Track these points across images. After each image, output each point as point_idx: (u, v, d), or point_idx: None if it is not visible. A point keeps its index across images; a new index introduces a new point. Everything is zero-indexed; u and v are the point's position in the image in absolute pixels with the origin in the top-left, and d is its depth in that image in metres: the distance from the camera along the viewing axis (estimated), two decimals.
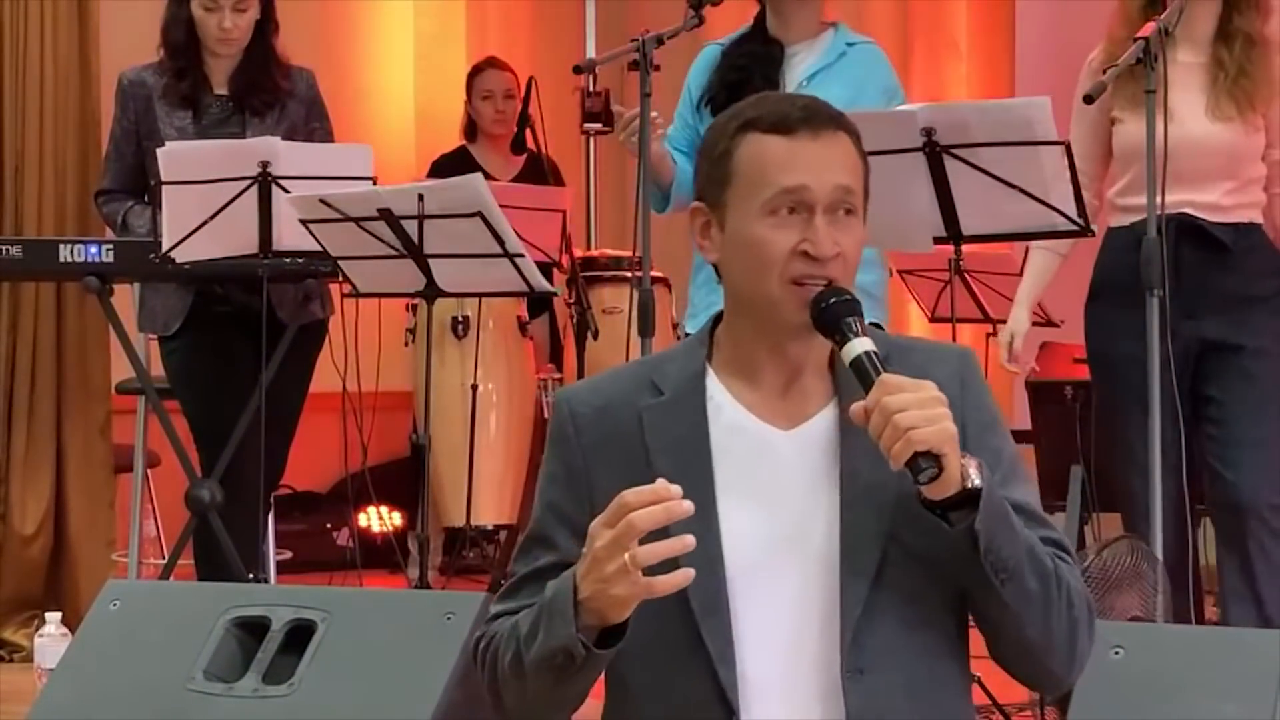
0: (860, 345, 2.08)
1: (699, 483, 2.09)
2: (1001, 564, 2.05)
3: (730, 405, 2.17)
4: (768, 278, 2.12)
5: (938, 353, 2.25)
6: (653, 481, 2.02)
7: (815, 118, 2.15)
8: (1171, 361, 3.79)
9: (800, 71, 4.57)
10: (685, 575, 1.98)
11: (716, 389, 2.18)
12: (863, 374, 2.07)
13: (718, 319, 2.24)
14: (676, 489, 1.98)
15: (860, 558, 2.10)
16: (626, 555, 1.96)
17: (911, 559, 2.10)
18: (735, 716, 2.09)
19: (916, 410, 2.00)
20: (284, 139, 4.60)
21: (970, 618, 2.18)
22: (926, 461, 1.99)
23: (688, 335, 4.67)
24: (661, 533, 1.99)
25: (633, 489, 1.98)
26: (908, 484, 2.04)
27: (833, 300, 2.10)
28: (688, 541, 1.97)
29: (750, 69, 4.47)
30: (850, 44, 4.65)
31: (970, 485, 2.02)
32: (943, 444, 2.00)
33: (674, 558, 1.98)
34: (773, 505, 2.13)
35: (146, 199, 4.74)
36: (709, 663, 2.09)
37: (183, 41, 4.77)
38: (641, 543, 1.97)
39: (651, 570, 1.98)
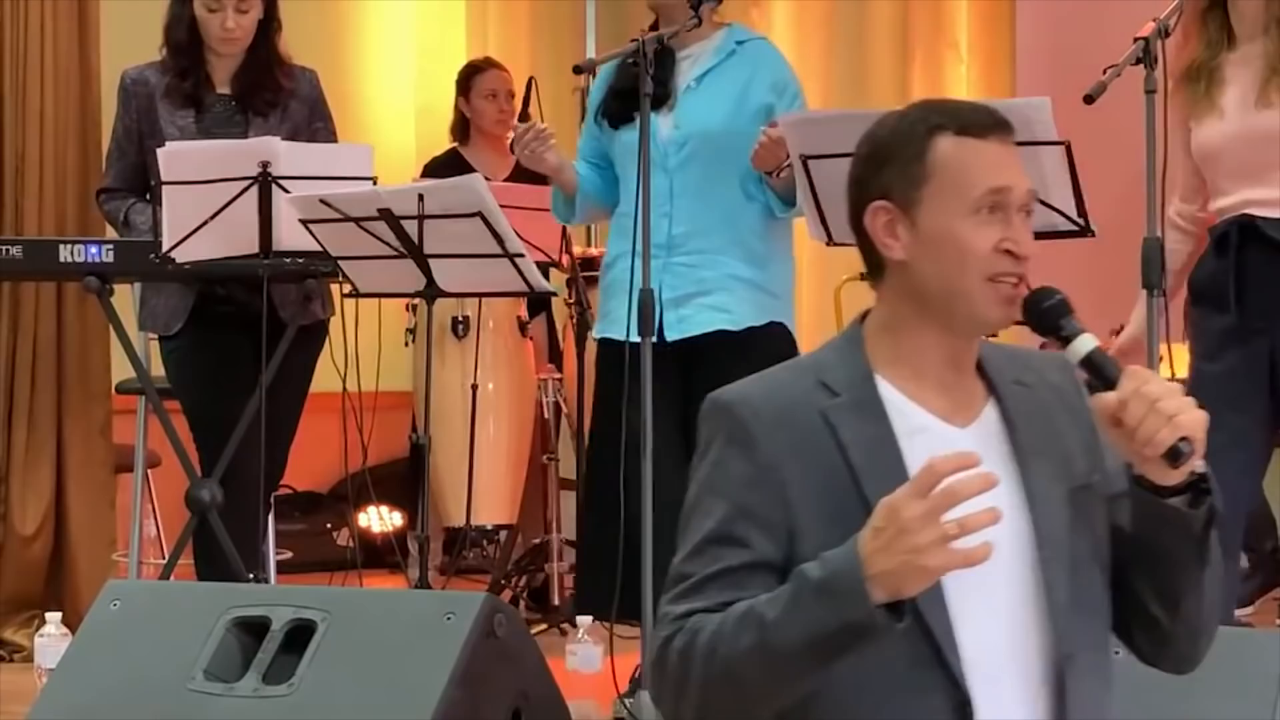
0: (1090, 341, 2.16)
1: (896, 480, 2.09)
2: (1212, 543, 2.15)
3: (906, 404, 2.21)
4: (967, 274, 2.18)
5: (1047, 357, 2.34)
6: (854, 480, 2.11)
7: (1002, 123, 2.23)
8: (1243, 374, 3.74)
9: (690, 74, 4.62)
10: (987, 548, 1.99)
11: (886, 389, 2.22)
12: (1100, 368, 2.14)
13: (863, 318, 2.30)
14: (976, 454, 2.01)
15: (1056, 547, 2.16)
16: (948, 525, 1.97)
17: (1087, 548, 2.18)
18: (969, 706, 2.11)
19: (1172, 398, 2.07)
20: (286, 139, 4.60)
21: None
22: (1186, 445, 2.06)
23: (605, 341, 4.71)
24: None
25: (939, 456, 2.00)
26: (1076, 475, 2.17)
27: (1053, 300, 2.19)
28: (998, 513, 1.99)
29: (638, 75, 4.46)
30: (740, 41, 4.69)
31: (1197, 470, 2.11)
32: (1198, 428, 2.07)
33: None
34: (963, 506, 2.09)
35: (148, 198, 4.74)
36: (937, 653, 2.11)
37: (185, 41, 4.77)
38: None
39: None
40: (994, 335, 2.38)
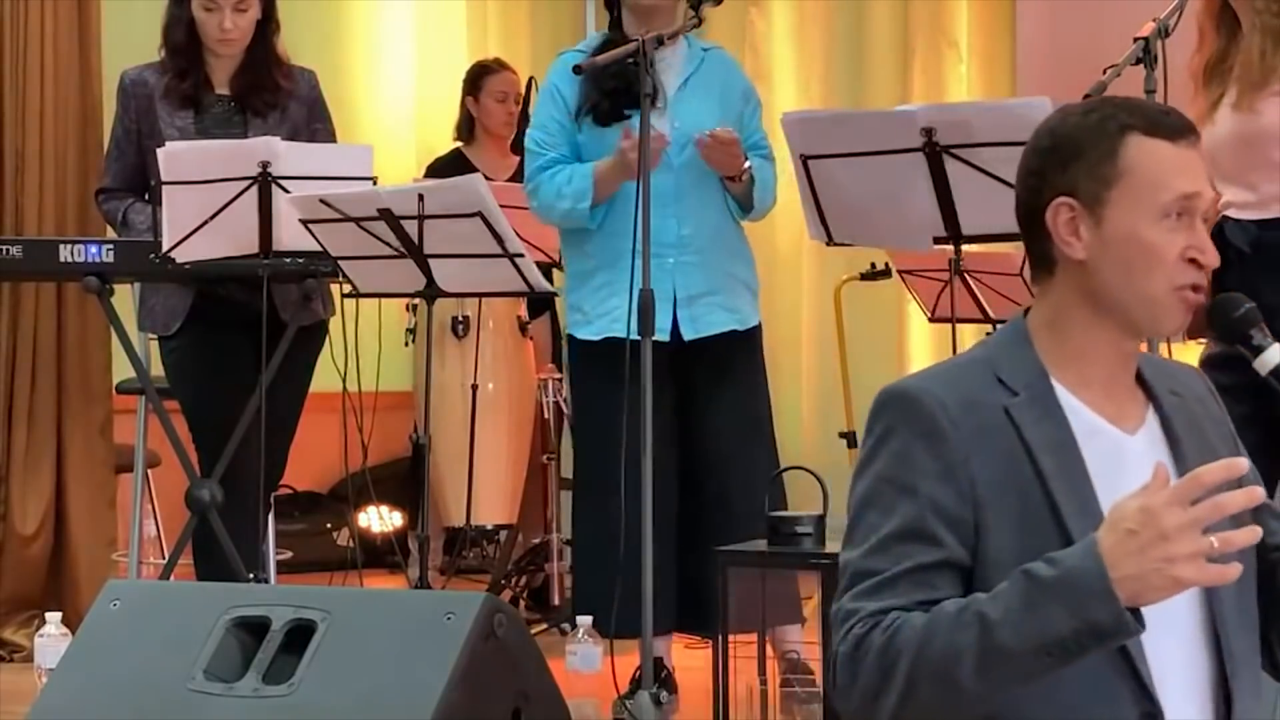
0: (1279, 353, 2.15)
1: (1081, 482, 2.08)
2: None
3: (1078, 406, 2.16)
4: (1154, 281, 2.14)
5: (1185, 369, 2.35)
6: (1041, 482, 2.07)
7: (1191, 127, 2.19)
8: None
9: (673, 79, 4.67)
10: (1236, 569, 1.95)
11: (1058, 389, 2.17)
12: None
13: (1023, 315, 2.24)
14: (1245, 462, 1.98)
15: (1222, 560, 2.04)
16: (1212, 539, 1.92)
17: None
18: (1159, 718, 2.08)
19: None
20: (286, 139, 4.60)
21: None
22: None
23: (581, 341, 4.69)
24: None
25: (1206, 466, 1.95)
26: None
27: (1243, 309, 2.17)
28: (1257, 531, 1.95)
29: (628, 74, 4.47)
30: (705, 50, 4.76)
31: None
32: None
33: None
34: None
35: (147, 198, 4.74)
36: (1129, 663, 2.07)
37: (183, 42, 4.77)
38: None
39: None
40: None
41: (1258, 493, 1.95)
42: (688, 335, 4.58)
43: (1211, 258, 2.14)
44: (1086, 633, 1.95)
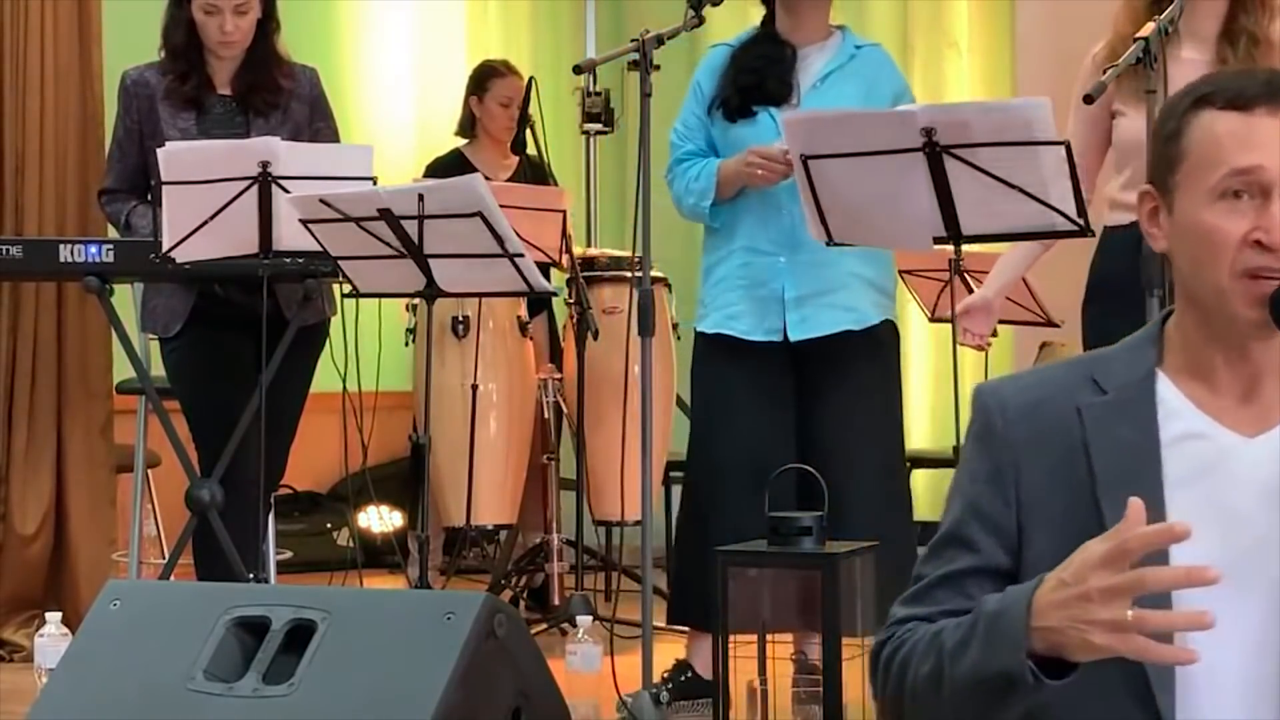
0: None
1: (1146, 493, 1.85)
2: None
3: (1186, 410, 1.99)
4: (1216, 269, 1.94)
5: None
6: (1091, 486, 1.94)
7: (1273, 93, 1.95)
8: None
9: (814, 72, 4.61)
10: (1189, 655, 1.78)
11: (1170, 392, 2.00)
12: None
13: (1166, 317, 2.07)
14: (1187, 527, 1.76)
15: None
16: (1130, 613, 1.75)
17: None
18: None
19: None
20: (288, 139, 4.60)
21: None
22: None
23: (699, 333, 4.70)
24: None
25: (1143, 530, 1.76)
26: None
27: None
28: (1207, 621, 1.74)
29: (764, 71, 4.50)
30: (859, 46, 4.69)
31: None
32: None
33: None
34: (1231, 524, 1.94)
35: (149, 198, 4.74)
36: (1150, 698, 1.92)
37: (183, 45, 4.77)
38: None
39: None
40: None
41: (1207, 619, 1.75)
42: (794, 336, 4.52)
43: (1274, 237, 1.91)
44: (1001, 675, 1.84)
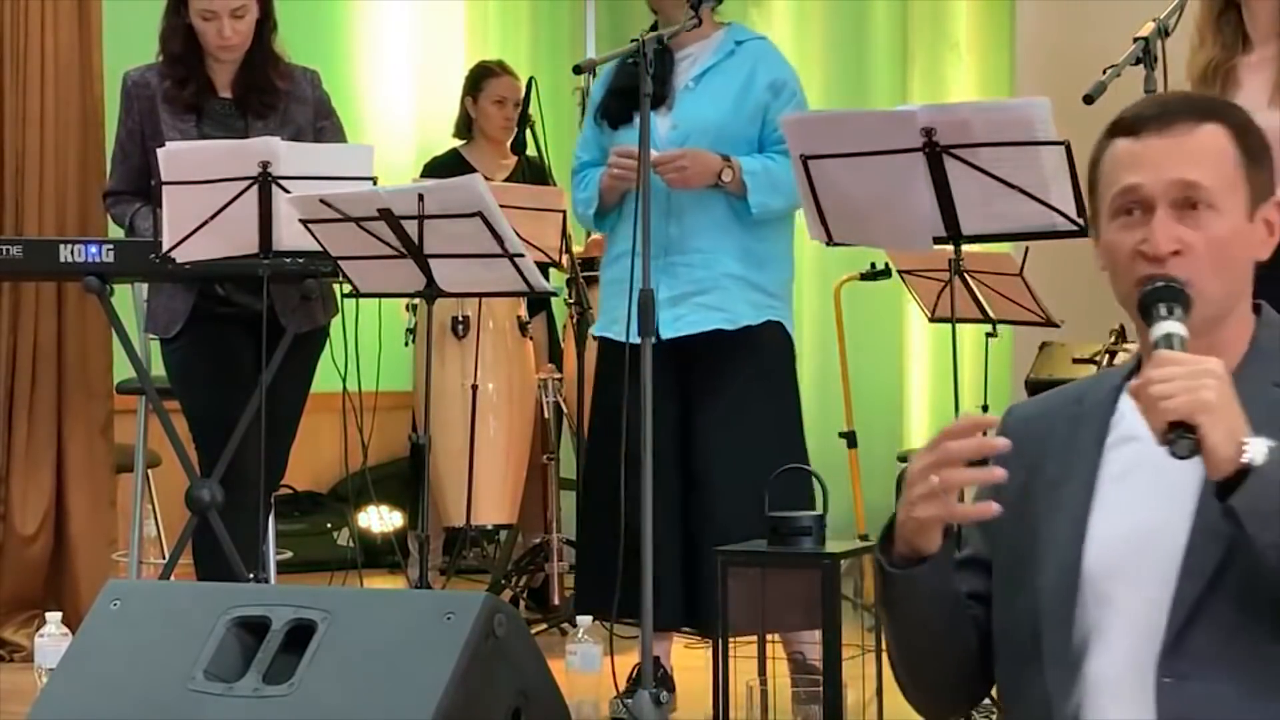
0: (1164, 328, 2.04)
1: (1078, 488, 2.14)
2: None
3: (1131, 415, 2.08)
4: (1119, 281, 2.13)
5: None
6: (1042, 481, 2.16)
7: (1170, 112, 2.13)
8: None
9: (688, 74, 4.64)
10: (988, 508, 2.08)
11: (1126, 402, 2.11)
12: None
13: None
14: (988, 419, 2.18)
15: (1199, 558, 2.04)
16: (935, 478, 2.05)
17: (1260, 562, 1.98)
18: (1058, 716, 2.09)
19: (1179, 381, 1.94)
20: (289, 140, 4.60)
21: None
22: (1177, 433, 1.93)
23: (603, 340, 4.74)
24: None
25: (958, 420, 2.09)
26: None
27: (1153, 286, 2.07)
28: (997, 474, 2.09)
29: (635, 76, 4.49)
30: (740, 41, 4.73)
31: (1245, 462, 1.94)
32: (1194, 413, 1.93)
33: (1038, 552, 2.13)
34: (1142, 512, 2.11)
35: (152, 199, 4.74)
36: (1047, 663, 2.12)
37: (181, 50, 4.77)
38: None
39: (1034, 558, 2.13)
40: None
41: (997, 473, 2.09)
42: (665, 335, 4.55)
43: (1152, 245, 2.07)
44: (876, 576, 2.19)
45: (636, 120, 4.49)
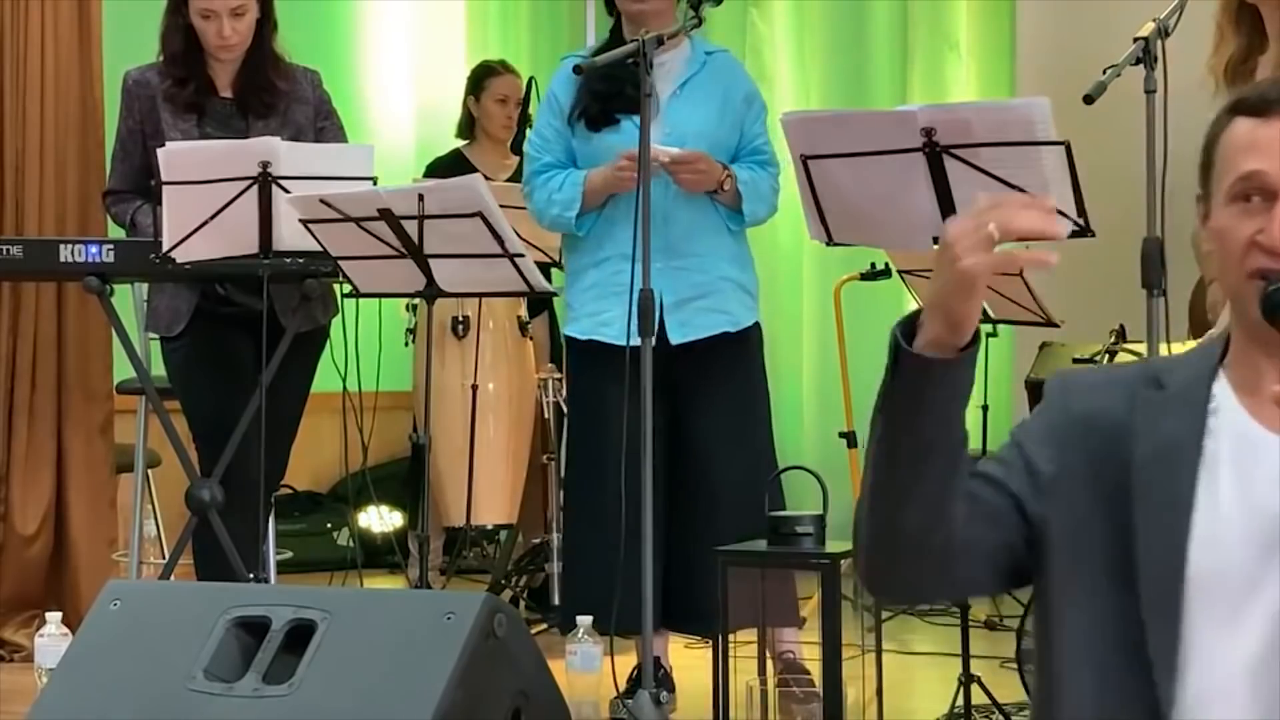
0: None
1: (1177, 481, 1.97)
2: None
3: (1231, 406, 2.02)
4: (1230, 271, 2.01)
5: None
6: (1127, 468, 1.99)
7: None
8: None
9: (671, 80, 4.66)
10: (1048, 256, 1.93)
11: (1223, 392, 2.04)
12: None
13: None
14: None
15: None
16: (991, 225, 1.87)
17: None
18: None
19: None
20: (290, 140, 4.60)
21: None
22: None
23: (569, 338, 4.74)
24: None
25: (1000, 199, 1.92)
26: None
27: (1278, 287, 1.95)
28: (1051, 261, 1.93)
29: (620, 79, 4.49)
30: (709, 53, 4.77)
31: None
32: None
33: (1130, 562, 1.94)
34: (1256, 513, 1.97)
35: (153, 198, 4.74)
36: (1148, 669, 1.95)
37: (181, 50, 4.77)
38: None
39: None
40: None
41: (1051, 259, 1.93)
42: (674, 339, 4.58)
43: (1270, 238, 1.96)
44: (888, 370, 1.95)
45: (620, 123, 4.52)
